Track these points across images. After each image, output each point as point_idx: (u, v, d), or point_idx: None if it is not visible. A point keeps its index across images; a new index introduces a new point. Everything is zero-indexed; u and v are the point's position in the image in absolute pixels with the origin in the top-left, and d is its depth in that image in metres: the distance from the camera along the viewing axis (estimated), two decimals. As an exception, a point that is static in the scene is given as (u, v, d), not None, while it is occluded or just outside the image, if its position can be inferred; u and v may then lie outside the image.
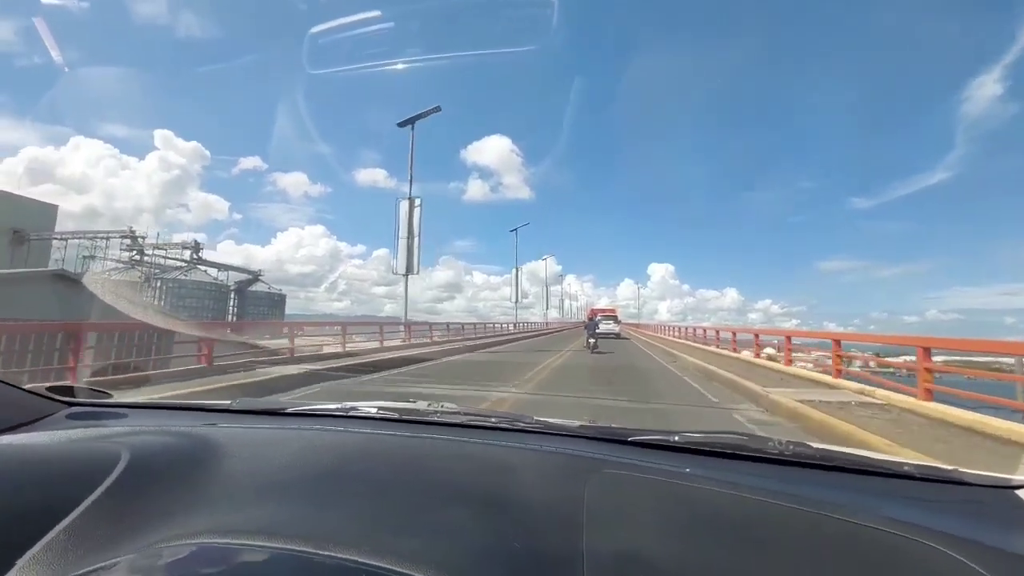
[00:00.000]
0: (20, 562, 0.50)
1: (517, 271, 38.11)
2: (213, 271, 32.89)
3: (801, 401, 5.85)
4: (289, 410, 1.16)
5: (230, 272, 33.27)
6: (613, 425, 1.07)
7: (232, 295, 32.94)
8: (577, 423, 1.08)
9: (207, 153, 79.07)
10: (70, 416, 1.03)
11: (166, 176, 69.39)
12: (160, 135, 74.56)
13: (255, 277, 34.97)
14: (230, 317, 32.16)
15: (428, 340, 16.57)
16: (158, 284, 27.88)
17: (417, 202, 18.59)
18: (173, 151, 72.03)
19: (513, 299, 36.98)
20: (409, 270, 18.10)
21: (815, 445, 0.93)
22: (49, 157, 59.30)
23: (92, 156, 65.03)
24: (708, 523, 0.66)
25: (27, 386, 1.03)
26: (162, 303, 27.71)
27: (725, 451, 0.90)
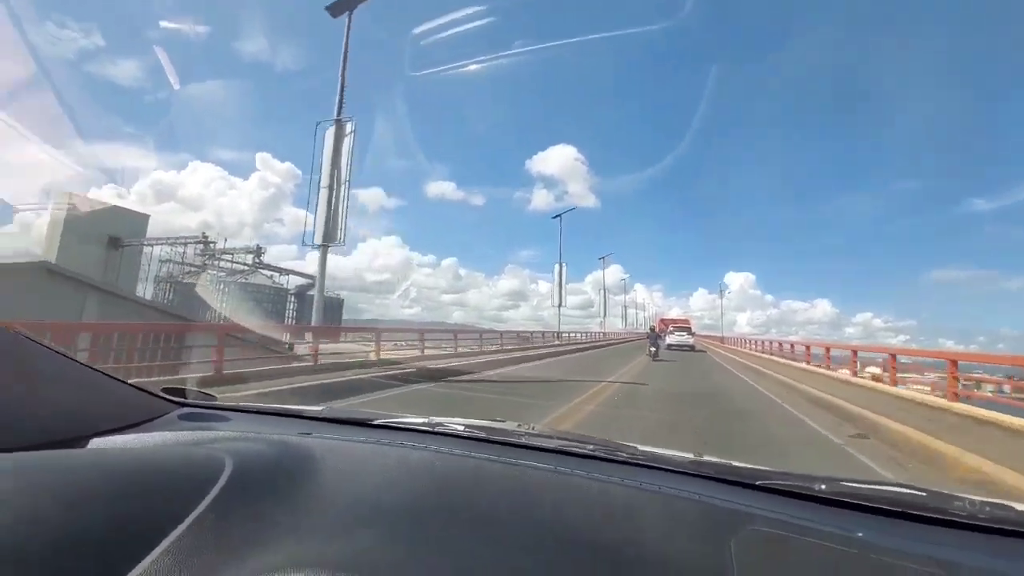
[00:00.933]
0: None
1: (561, 267, 32.19)
2: (276, 275, 33.51)
3: None
4: (376, 422, 1.14)
5: (290, 276, 33.71)
6: (734, 463, 0.88)
7: (291, 299, 33.26)
8: (688, 456, 0.91)
9: (299, 172, 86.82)
10: (181, 417, 1.04)
11: (265, 194, 77.25)
12: (260, 157, 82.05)
13: (314, 282, 35.27)
14: (288, 320, 32.40)
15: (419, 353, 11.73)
16: (221, 287, 28.45)
17: (348, 127, 11.07)
18: (271, 171, 79.82)
19: (556, 301, 31.45)
20: (329, 238, 11.11)
21: (1020, 507, 0.70)
22: (172, 180, 68.46)
23: (206, 178, 74.14)
24: None
25: (143, 386, 1.04)
26: (223, 304, 28.21)
27: (893, 509, 0.70)
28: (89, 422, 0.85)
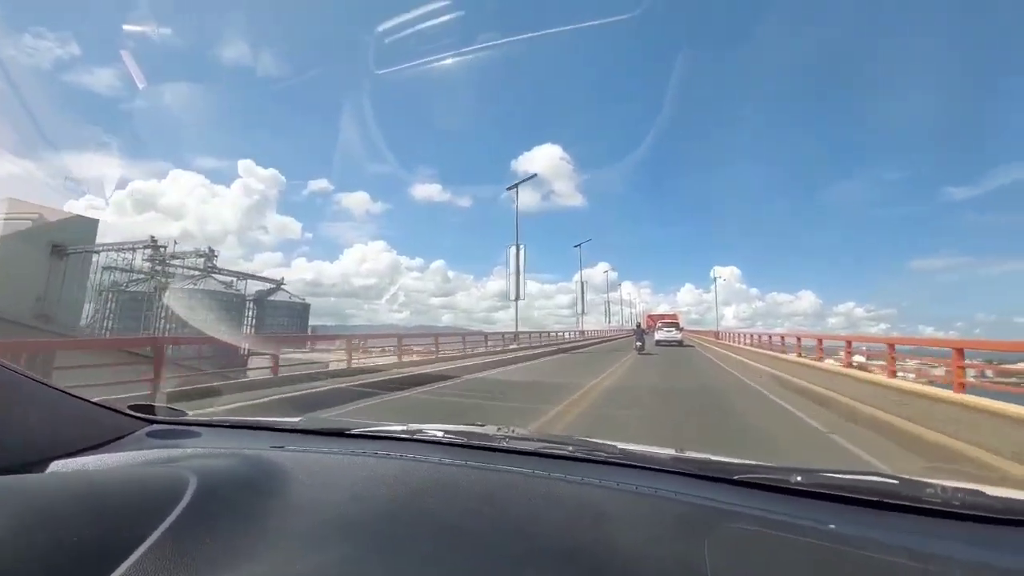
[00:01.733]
0: None
1: (518, 251, 25.06)
2: (235, 280, 31.10)
3: None
4: (354, 431, 1.12)
5: (248, 281, 31.26)
6: (713, 457, 0.89)
7: (250, 305, 30.82)
8: (668, 453, 0.93)
9: (283, 179, 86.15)
10: (150, 434, 1.02)
11: (248, 201, 77.01)
12: (243, 165, 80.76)
13: (277, 286, 32.82)
14: (247, 328, 30.02)
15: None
16: (165, 295, 25.97)
17: None
18: (254, 178, 79.23)
19: (512, 294, 24.72)
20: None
21: (991, 492, 0.70)
22: (152, 189, 66.53)
23: (187, 186, 72.26)
24: None
25: (110, 404, 1.02)
26: (166, 315, 25.83)
27: (868, 499, 0.70)
28: (52, 443, 0.82)
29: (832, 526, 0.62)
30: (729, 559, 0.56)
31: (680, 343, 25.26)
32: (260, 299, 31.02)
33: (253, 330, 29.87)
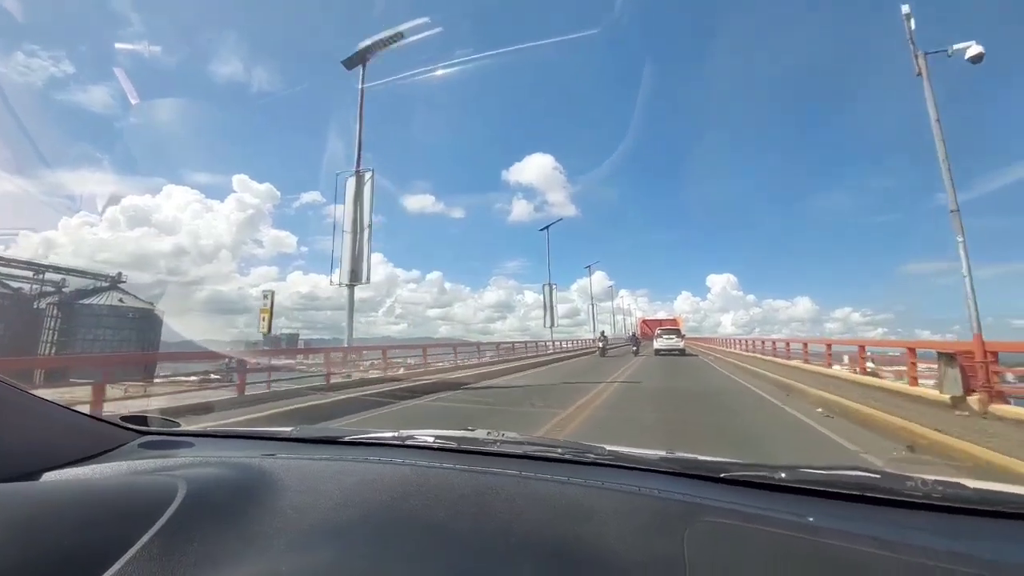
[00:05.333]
0: None
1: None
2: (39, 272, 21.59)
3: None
4: (346, 439, 1.14)
5: (45, 274, 21.68)
6: (700, 457, 0.90)
7: (51, 309, 21.27)
8: (656, 454, 0.94)
9: (277, 193, 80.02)
10: (142, 445, 1.03)
11: (242, 216, 70.29)
12: (238, 179, 74.98)
13: (109, 283, 23.35)
14: (45, 346, 20.50)
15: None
16: None
17: None
18: (249, 193, 72.55)
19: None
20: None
21: (972, 484, 0.72)
22: (147, 204, 60.27)
23: (181, 201, 66.19)
24: None
25: (103, 416, 1.04)
26: None
27: (850, 493, 0.73)
28: (45, 455, 0.82)
29: (810, 519, 0.64)
30: (706, 551, 0.57)
31: (682, 352, 22.79)
32: (69, 302, 21.45)
33: (54, 349, 20.38)
